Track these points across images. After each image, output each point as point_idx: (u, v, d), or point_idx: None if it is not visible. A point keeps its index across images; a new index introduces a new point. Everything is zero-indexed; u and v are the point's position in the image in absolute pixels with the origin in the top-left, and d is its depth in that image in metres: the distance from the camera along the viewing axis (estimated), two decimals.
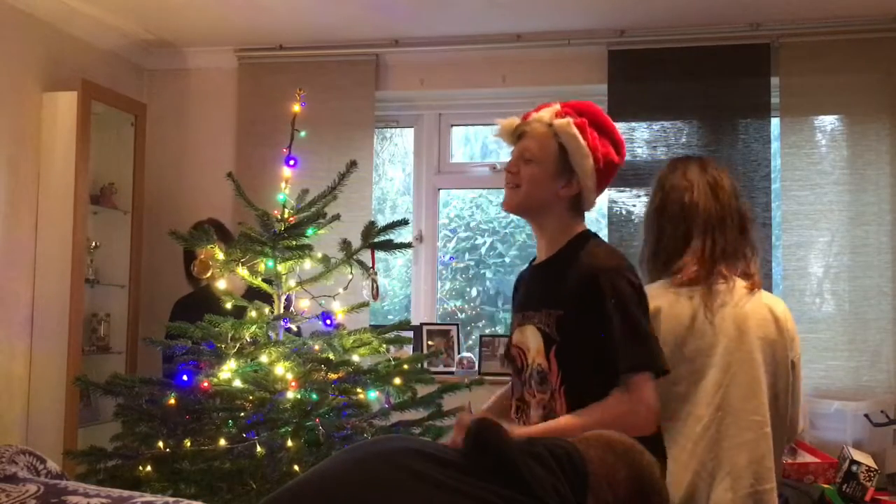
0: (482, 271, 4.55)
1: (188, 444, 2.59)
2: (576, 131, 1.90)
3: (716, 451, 1.95)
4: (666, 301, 2.01)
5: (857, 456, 2.79)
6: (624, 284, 1.83)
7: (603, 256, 1.89)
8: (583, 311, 1.83)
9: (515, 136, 2.01)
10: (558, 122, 1.92)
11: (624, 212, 3.98)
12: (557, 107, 1.97)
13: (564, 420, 1.79)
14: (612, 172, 1.99)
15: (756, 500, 1.96)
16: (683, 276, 2.02)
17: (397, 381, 2.77)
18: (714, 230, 2.06)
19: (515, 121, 2.03)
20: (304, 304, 2.90)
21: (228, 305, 2.83)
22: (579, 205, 1.97)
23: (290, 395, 2.62)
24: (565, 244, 1.95)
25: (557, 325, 1.86)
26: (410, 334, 3.99)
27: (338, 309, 2.86)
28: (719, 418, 1.96)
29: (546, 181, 1.93)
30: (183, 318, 2.97)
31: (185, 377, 2.66)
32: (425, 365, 3.00)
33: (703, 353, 1.98)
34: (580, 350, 1.84)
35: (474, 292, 4.56)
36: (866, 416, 2.98)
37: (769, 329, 2.05)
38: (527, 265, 2.16)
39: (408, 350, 3.83)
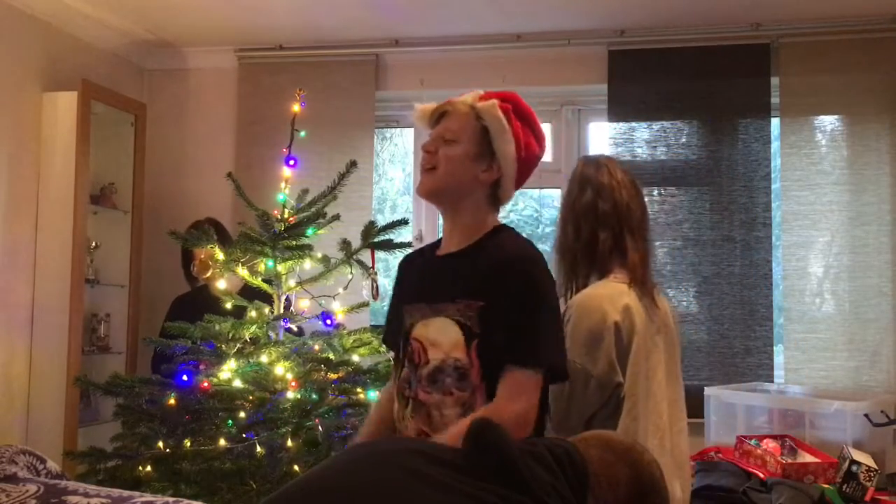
0: None
1: (188, 444, 2.59)
2: (500, 113, 1.82)
3: (672, 442, 2.02)
4: (630, 299, 2.02)
5: (857, 456, 2.79)
6: (544, 276, 1.79)
7: (523, 246, 1.84)
8: (503, 299, 1.73)
9: (434, 119, 1.90)
10: (482, 104, 1.84)
11: None
12: (480, 92, 1.88)
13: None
14: (532, 164, 1.91)
15: (689, 482, 2.11)
16: (633, 276, 2.06)
17: None
18: (644, 231, 2.14)
19: (431, 106, 1.92)
20: (304, 304, 2.90)
21: (228, 305, 2.83)
22: (496, 193, 1.88)
23: (290, 395, 2.62)
24: (483, 235, 1.85)
25: (479, 316, 1.75)
26: None
27: (338, 309, 2.86)
28: (671, 410, 2.05)
29: (466, 162, 1.82)
30: (181, 316, 2.97)
31: (184, 377, 2.66)
32: None
33: (654, 350, 2.04)
34: (496, 339, 1.73)
35: None
36: (866, 416, 2.98)
37: (674, 326, 2.17)
38: (412, 253, 2.10)
39: None
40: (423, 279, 1.91)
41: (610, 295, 2.02)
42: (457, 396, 1.76)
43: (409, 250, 3.43)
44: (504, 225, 1.90)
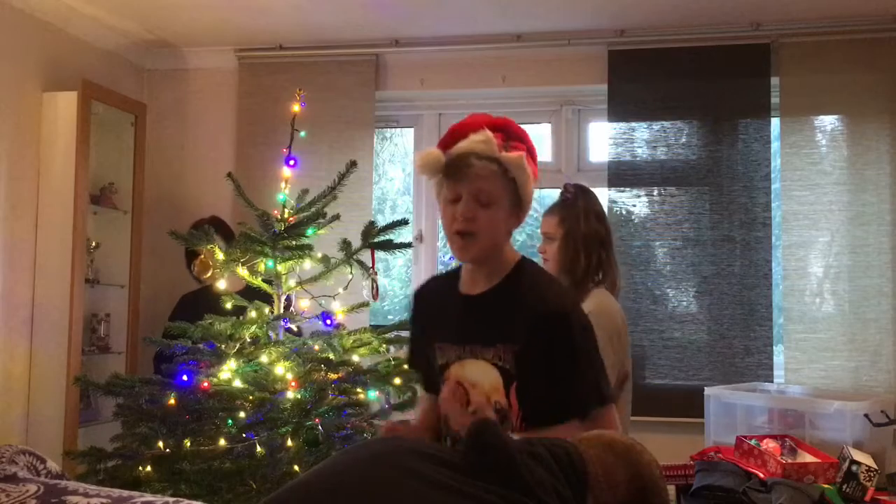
0: None
1: (188, 444, 2.59)
2: (526, 165, 1.79)
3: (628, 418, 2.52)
4: (614, 304, 2.51)
5: (857, 456, 2.78)
6: (586, 322, 1.81)
7: (560, 292, 1.87)
8: (546, 349, 1.72)
9: (450, 170, 1.79)
10: (509, 157, 1.77)
11: (624, 212, 3.98)
12: (489, 133, 1.79)
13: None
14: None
15: None
16: (614, 287, 2.54)
17: (397, 381, 2.77)
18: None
19: (439, 155, 1.82)
20: (304, 304, 2.90)
21: (228, 305, 2.83)
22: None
23: (290, 395, 2.62)
24: (510, 272, 1.83)
25: (515, 360, 1.74)
26: None
27: (338, 309, 2.86)
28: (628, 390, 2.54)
29: (503, 223, 1.81)
30: (185, 315, 2.96)
31: (184, 377, 2.66)
32: None
33: (627, 342, 2.55)
34: (539, 386, 1.74)
35: None
36: (866, 416, 2.97)
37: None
38: (429, 283, 2.06)
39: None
40: (454, 320, 1.87)
41: (612, 301, 2.50)
42: None
43: (409, 251, 3.46)
44: (524, 258, 1.88)
